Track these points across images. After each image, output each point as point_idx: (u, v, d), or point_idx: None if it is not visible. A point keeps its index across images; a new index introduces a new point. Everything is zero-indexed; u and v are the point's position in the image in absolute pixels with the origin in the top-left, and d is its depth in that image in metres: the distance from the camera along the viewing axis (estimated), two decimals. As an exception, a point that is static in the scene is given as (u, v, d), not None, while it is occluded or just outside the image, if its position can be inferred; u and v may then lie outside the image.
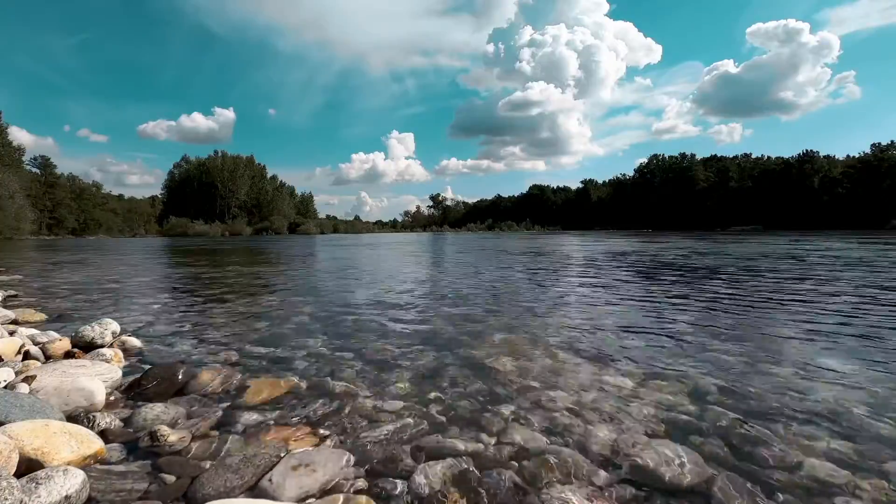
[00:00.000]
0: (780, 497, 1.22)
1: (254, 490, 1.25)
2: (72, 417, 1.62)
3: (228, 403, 1.85)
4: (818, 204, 61.02)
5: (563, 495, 1.19)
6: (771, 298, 4.47)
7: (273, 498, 1.20)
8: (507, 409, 1.79)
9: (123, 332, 2.89)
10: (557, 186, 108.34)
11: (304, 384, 2.07)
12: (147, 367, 2.22)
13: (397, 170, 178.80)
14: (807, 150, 65.83)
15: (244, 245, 23.43)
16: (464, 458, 1.43)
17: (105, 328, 2.66)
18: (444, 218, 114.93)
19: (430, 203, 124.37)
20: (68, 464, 1.26)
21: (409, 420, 1.69)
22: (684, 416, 1.72)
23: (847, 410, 1.76)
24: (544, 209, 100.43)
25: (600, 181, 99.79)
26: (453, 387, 2.05)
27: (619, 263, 8.93)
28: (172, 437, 1.51)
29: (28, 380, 1.80)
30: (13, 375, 1.89)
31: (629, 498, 1.23)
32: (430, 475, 1.32)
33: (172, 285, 6.23)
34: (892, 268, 7.25)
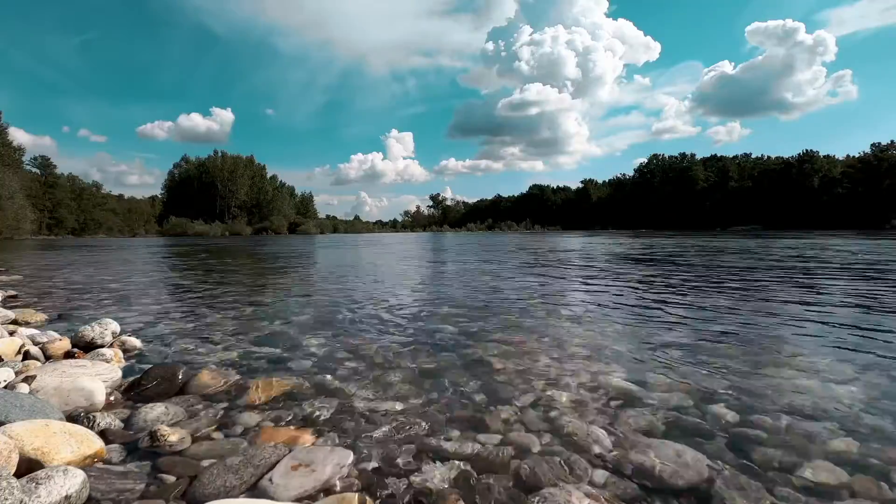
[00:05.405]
0: (781, 497, 1.22)
1: (254, 490, 1.25)
2: (72, 417, 1.62)
3: (228, 404, 1.85)
4: (818, 204, 61.01)
5: (562, 495, 1.19)
6: (771, 297, 4.47)
7: (273, 498, 1.20)
8: (506, 409, 1.79)
9: (123, 332, 2.89)
10: (557, 186, 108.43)
11: (303, 384, 2.07)
12: (147, 367, 2.22)
13: (396, 170, 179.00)
14: (806, 150, 65.83)
15: (244, 245, 23.43)
16: (463, 458, 1.43)
17: (105, 328, 2.66)
18: (444, 218, 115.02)
19: (430, 203, 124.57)
20: (68, 464, 1.26)
21: (409, 420, 1.69)
22: (684, 416, 1.72)
23: (848, 409, 1.76)
24: (544, 209, 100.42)
25: (600, 181, 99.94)
26: (453, 387, 2.05)
27: (618, 263, 8.93)
28: (172, 437, 1.51)
29: (28, 380, 1.80)
30: (13, 375, 1.89)
31: (629, 498, 1.23)
32: (429, 475, 1.32)
33: (172, 285, 6.23)
34: (892, 267, 7.25)
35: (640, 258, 10.28)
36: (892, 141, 58.74)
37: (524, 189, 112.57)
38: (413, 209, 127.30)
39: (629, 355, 2.54)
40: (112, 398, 1.88)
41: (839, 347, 2.64)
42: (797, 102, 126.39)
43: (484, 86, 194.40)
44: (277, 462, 1.35)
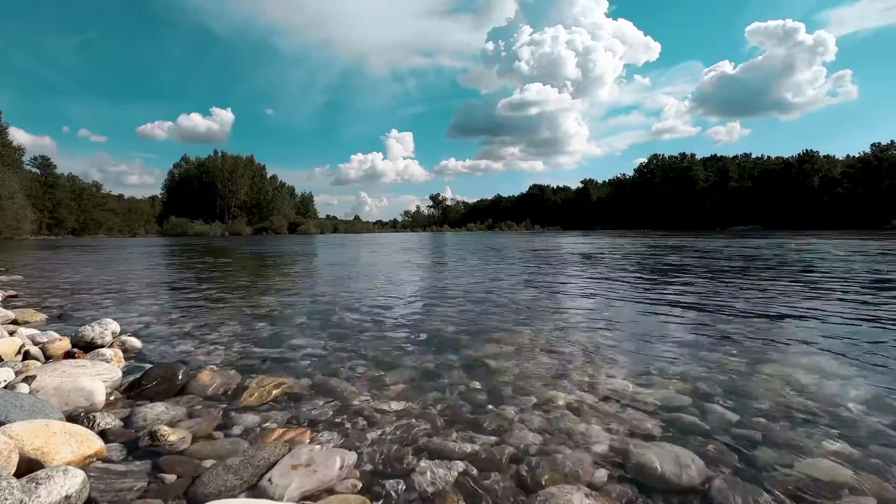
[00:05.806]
0: (780, 497, 1.22)
1: (254, 490, 1.25)
2: (72, 417, 1.62)
3: (228, 403, 1.85)
4: (818, 204, 60.93)
5: (562, 495, 1.19)
6: (770, 298, 4.47)
7: (273, 498, 1.20)
8: (506, 410, 1.79)
9: (123, 332, 2.89)
10: (557, 186, 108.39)
11: (304, 384, 2.07)
12: (147, 367, 2.22)
13: (396, 170, 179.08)
14: (807, 150, 65.75)
15: (244, 245, 23.42)
16: (464, 458, 1.43)
17: (105, 328, 2.66)
18: (444, 218, 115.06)
19: (430, 203, 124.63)
20: (68, 464, 1.26)
21: (409, 420, 1.69)
22: (684, 417, 1.72)
23: (847, 410, 1.76)
24: (544, 209, 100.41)
25: (600, 181, 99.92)
26: (453, 387, 2.05)
27: (618, 263, 8.93)
28: (172, 436, 1.51)
29: (28, 380, 1.80)
30: (13, 375, 1.89)
31: (629, 498, 1.23)
32: (429, 475, 1.32)
33: (172, 285, 6.23)
34: (891, 267, 7.25)
35: (637, 258, 10.28)
36: (892, 141, 58.65)
37: (524, 189, 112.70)
38: (413, 209, 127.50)
39: (628, 355, 2.54)
40: (112, 398, 1.88)
41: (838, 346, 2.64)
42: (797, 102, 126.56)
43: (484, 86, 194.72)
44: (277, 462, 1.35)
